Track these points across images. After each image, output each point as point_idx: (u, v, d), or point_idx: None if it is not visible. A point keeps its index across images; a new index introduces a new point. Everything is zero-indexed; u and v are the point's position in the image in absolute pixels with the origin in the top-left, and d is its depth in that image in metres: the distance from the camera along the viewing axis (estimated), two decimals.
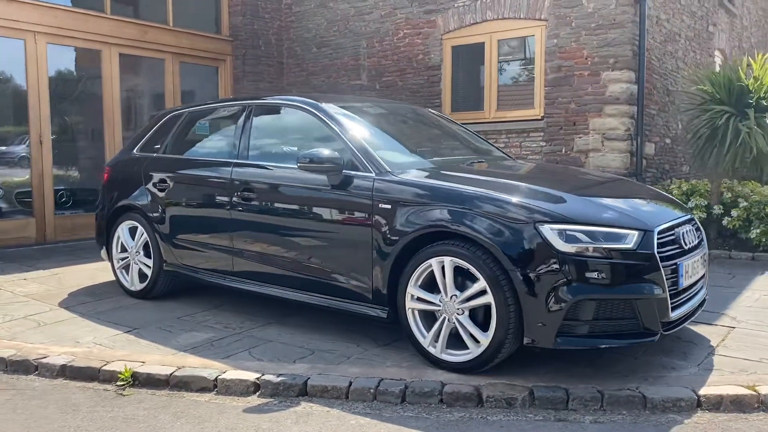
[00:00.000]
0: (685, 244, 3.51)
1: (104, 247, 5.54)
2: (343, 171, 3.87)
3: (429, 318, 3.60)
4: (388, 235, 3.64)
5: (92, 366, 3.76)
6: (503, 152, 5.14)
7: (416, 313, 3.59)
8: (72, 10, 8.12)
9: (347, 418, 3.13)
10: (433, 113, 5.48)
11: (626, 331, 3.22)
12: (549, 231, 3.17)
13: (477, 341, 3.36)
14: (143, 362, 3.79)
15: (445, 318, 3.46)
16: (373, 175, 3.80)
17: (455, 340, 3.49)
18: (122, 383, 3.62)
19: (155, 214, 4.96)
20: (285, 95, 4.74)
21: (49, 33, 7.87)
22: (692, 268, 3.53)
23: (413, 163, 4.03)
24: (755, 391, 3.16)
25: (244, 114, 4.64)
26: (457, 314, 3.41)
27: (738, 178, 7.59)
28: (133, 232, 5.21)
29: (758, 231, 6.60)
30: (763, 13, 14.61)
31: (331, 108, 4.29)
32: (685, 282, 3.43)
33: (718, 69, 9.15)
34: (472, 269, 3.33)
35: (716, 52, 10.84)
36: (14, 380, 3.79)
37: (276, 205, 4.24)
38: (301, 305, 4.43)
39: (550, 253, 3.15)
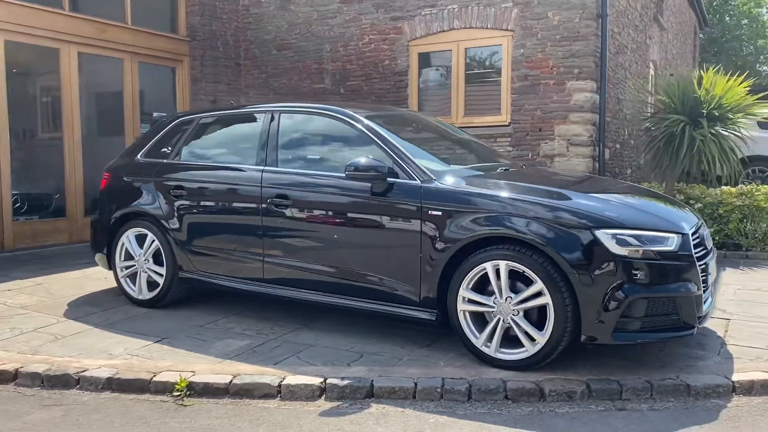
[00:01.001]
0: (707, 245, 3.89)
1: (100, 254, 5.39)
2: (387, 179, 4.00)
3: (477, 319, 3.80)
4: (439, 241, 3.81)
5: (141, 377, 3.71)
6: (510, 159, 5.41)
7: (467, 314, 3.78)
8: (28, 5, 7.73)
9: (425, 417, 3.27)
10: (435, 119, 5.66)
11: (669, 326, 3.54)
12: (604, 235, 3.45)
13: (532, 340, 3.59)
14: (193, 372, 3.77)
15: (500, 319, 3.66)
16: (419, 182, 3.95)
17: (503, 340, 3.70)
18: (178, 393, 3.59)
19: (170, 221, 4.89)
20: (315, 103, 4.80)
21: (4, 29, 7.47)
22: (712, 267, 3.91)
23: (453, 171, 4.21)
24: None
25: (270, 121, 4.66)
26: (513, 315, 3.62)
27: (688, 182, 8.25)
28: (140, 239, 5.10)
29: (712, 230, 7.22)
30: (679, 26, 15.76)
31: (364, 116, 4.39)
32: (710, 280, 3.80)
33: (650, 78, 9.85)
34: (529, 272, 3.55)
35: (651, 63, 11.65)
36: (57, 395, 3.68)
37: (314, 212, 4.31)
38: (324, 309, 4.54)
39: (606, 256, 3.42)
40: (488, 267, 3.66)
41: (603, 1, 7.92)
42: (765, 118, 8.36)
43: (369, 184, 4.05)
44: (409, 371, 3.71)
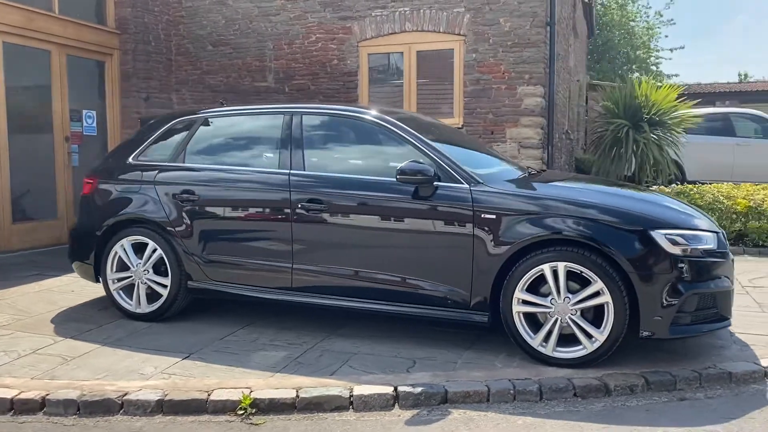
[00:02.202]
0: (727, 244, 4.22)
1: (82, 263, 4.99)
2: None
3: (529, 320, 3.89)
4: (493, 244, 3.86)
5: (196, 397, 3.47)
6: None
7: (521, 315, 3.86)
8: None
9: (511, 419, 3.32)
10: (437, 120, 5.67)
11: (710, 319, 3.81)
12: (659, 235, 3.66)
13: (589, 338, 3.73)
14: (249, 387, 3.58)
15: (557, 319, 3.78)
16: (467, 186, 3.98)
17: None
18: (242, 412, 3.40)
19: (177, 228, 4.58)
20: (340, 105, 4.68)
21: None
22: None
23: (495, 173, 4.27)
24: None
25: (291, 123, 4.49)
26: (571, 314, 3.75)
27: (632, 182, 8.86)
28: (138, 248, 4.73)
29: None
30: (581, 35, 16.80)
31: (396, 119, 4.35)
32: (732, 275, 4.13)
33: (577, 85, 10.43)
34: (588, 272, 3.69)
35: (570, 70, 12.35)
36: (104, 423, 3.37)
37: (353, 216, 4.20)
38: (345, 316, 4.49)
39: (662, 255, 3.63)
40: (546, 269, 3.76)
41: (551, 10, 8.31)
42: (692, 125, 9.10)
43: (413, 188, 4.02)
44: (473, 374, 3.74)
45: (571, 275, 3.77)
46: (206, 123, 4.84)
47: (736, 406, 3.45)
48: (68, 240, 5.21)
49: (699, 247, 3.74)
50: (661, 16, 27.37)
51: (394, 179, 4.10)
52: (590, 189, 4.15)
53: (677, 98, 8.42)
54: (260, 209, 4.44)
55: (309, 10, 9.22)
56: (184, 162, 4.76)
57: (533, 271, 3.80)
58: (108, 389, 3.56)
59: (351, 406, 3.47)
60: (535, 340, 3.83)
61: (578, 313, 3.75)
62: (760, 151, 12.62)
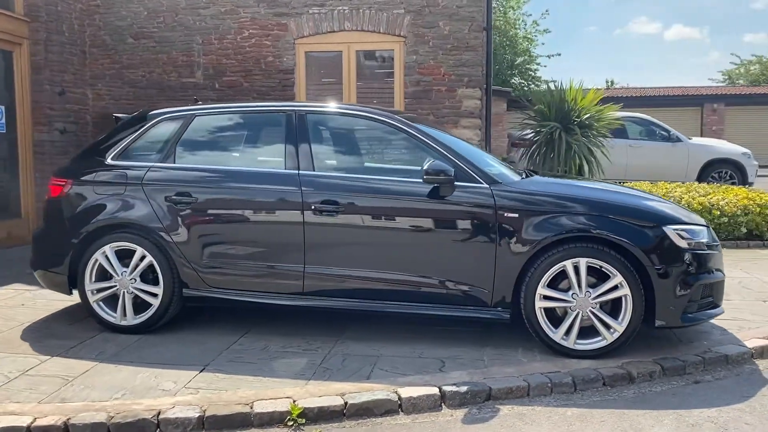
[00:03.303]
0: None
1: (48, 272, 4.60)
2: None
3: (548, 315, 4.03)
4: (516, 243, 3.97)
5: (240, 411, 3.29)
6: None
7: (542, 311, 4.00)
8: None
9: (559, 411, 3.44)
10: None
11: (709, 307, 4.14)
12: (671, 231, 3.93)
13: (609, 329, 3.93)
14: (289, 397, 3.44)
15: (579, 312, 3.95)
16: (488, 185, 4.06)
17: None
18: (292, 423, 3.27)
19: (172, 234, 4.28)
20: (349, 104, 4.58)
21: None
22: None
23: (508, 173, 4.36)
24: None
25: (295, 121, 4.34)
26: (592, 308, 3.93)
27: None
28: (122, 255, 4.38)
29: None
30: None
31: (408, 119, 4.34)
32: None
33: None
34: (607, 267, 3.89)
35: None
36: None
37: (371, 217, 4.13)
38: (347, 318, 4.49)
39: (674, 249, 3.90)
40: (568, 264, 3.92)
41: (488, 16, 8.59)
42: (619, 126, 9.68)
43: (434, 188, 4.04)
44: (506, 370, 3.82)
45: (590, 270, 3.94)
46: (197, 121, 4.55)
47: (744, 386, 3.78)
48: (32, 247, 4.72)
49: (700, 240, 4.05)
50: (538, 24, 29.01)
51: (412, 179, 4.10)
52: (600, 188, 4.37)
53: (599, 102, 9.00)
54: (268, 211, 4.26)
55: (241, 4, 8.92)
56: (174, 162, 4.46)
57: (555, 267, 3.94)
58: (136, 409, 3.28)
59: (400, 409, 3.43)
60: (557, 334, 3.98)
61: (598, 306, 3.94)
62: (650, 152, 13.83)
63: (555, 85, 8.84)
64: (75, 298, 5.03)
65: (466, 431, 3.22)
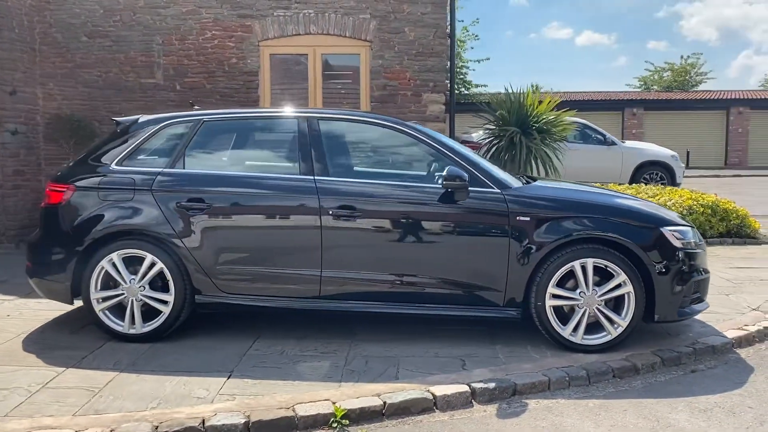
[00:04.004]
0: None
1: (45, 280, 4.49)
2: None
3: (556, 313, 4.26)
4: (528, 245, 4.17)
5: (284, 415, 3.34)
6: None
7: (552, 309, 4.23)
8: None
9: (582, 402, 3.66)
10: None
11: (697, 302, 4.48)
12: (668, 232, 4.24)
13: (613, 324, 4.21)
14: (327, 399, 3.51)
15: (585, 310, 4.20)
16: (499, 190, 4.25)
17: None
18: (337, 425, 3.34)
19: (185, 240, 4.24)
20: (360, 111, 4.64)
21: None
22: None
23: (513, 179, 4.56)
24: (752, 329, 4.77)
25: (307, 127, 4.38)
26: (598, 305, 4.19)
27: None
28: (131, 262, 4.30)
29: None
30: None
31: (419, 126, 4.47)
32: None
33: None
34: (612, 266, 4.16)
35: None
36: None
37: (387, 222, 4.24)
38: (355, 320, 4.58)
39: (672, 248, 4.22)
40: (576, 265, 4.17)
41: (452, 23, 8.84)
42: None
43: (449, 193, 4.19)
44: (524, 366, 4.02)
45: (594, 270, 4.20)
46: (205, 127, 4.51)
47: (734, 373, 4.14)
48: (28, 255, 4.54)
49: (690, 240, 4.38)
50: (468, 31, 29.77)
51: (426, 184, 4.25)
52: (599, 192, 4.65)
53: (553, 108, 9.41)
54: (284, 216, 4.29)
55: (203, 5, 8.79)
56: (184, 168, 4.41)
57: (565, 267, 4.17)
58: (179, 417, 3.27)
59: (435, 407, 3.56)
60: (566, 331, 4.21)
61: (603, 303, 4.20)
62: (586, 155, 14.50)
63: (512, 91, 9.16)
64: (64, 307, 4.95)
65: (504, 425, 3.39)
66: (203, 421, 3.24)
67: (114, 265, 4.29)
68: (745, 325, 4.88)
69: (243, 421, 3.26)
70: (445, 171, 4.12)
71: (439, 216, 4.25)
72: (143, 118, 4.65)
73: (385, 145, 4.57)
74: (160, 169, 4.39)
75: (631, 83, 39.55)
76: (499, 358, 4.17)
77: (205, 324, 4.71)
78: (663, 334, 4.68)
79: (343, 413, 3.37)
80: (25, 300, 5.45)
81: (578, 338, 4.22)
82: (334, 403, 3.46)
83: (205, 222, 4.27)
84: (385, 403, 3.49)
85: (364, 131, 4.59)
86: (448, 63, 8.97)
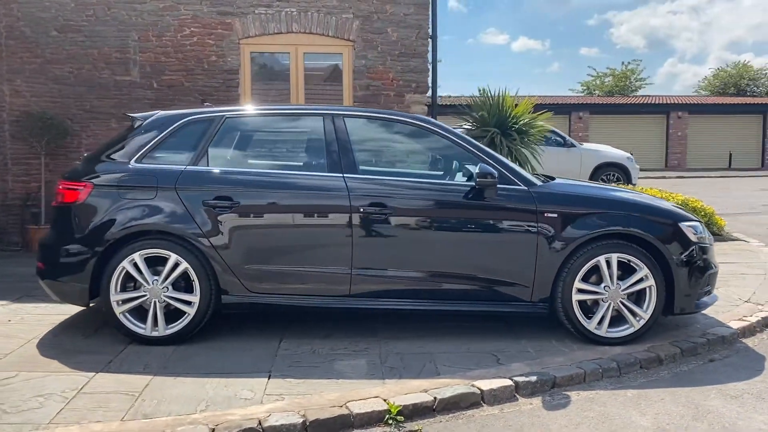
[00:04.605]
0: None
1: (60, 281, 4.29)
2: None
3: (581, 307, 4.37)
4: (556, 241, 4.26)
5: (340, 413, 3.31)
6: None
7: (578, 303, 4.33)
8: None
9: (620, 393, 3.77)
10: None
11: (707, 295, 4.67)
12: (685, 227, 4.41)
13: (635, 317, 4.34)
14: (376, 397, 3.50)
15: (610, 304, 4.32)
16: (526, 187, 4.32)
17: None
18: (392, 421, 3.33)
19: (212, 239, 4.14)
20: (383, 109, 4.62)
21: None
22: None
23: (535, 177, 4.64)
24: (752, 319, 5.00)
25: (333, 125, 4.35)
26: (622, 299, 4.32)
27: None
28: (153, 262, 4.17)
29: None
30: None
31: (446, 125, 4.51)
32: None
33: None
34: (635, 261, 4.30)
35: None
36: None
37: (418, 219, 4.25)
38: (377, 318, 4.57)
39: (689, 243, 4.39)
40: (601, 260, 4.28)
41: (434, 24, 8.92)
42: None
43: (477, 190, 4.23)
44: (556, 360, 4.10)
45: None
46: (228, 123, 4.41)
47: (749, 361, 4.34)
48: (40, 255, 4.34)
49: (702, 235, 4.57)
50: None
51: (455, 181, 4.28)
52: (616, 190, 4.78)
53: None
54: (314, 214, 4.24)
55: (182, 1, 8.56)
56: (208, 165, 4.30)
57: (590, 263, 4.28)
58: (234, 419, 3.20)
59: (482, 401, 3.60)
60: (591, 324, 4.32)
61: (626, 297, 4.33)
62: (547, 156, 14.78)
63: (490, 93, 9.30)
64: (66, 310, 4.80)
65: (555, 417, 3.45)
66: (260, 421, 3.18)
67: (135, 266, 4.15)
68: (745, 316, 5.12)
69: (300, 420, 3.22)
70: (477, 168, 4.16)
71: (469, 213, 4.29)
72: (161, 114, 4.51)
73: (411, 143, 4.58)
74: (184, 167, 4.27)
75: (574, 88, 40.72)
76: (530, 352, 4.24)
77: (220, 326, 4.60)
78: (672, 326, 4.85)
79: (397, 410, 3.37)
80: (20, 304, 5.21)
81: (603, 331, 4.34)
82: (384, 400, 3.45)
83: (233, 220, 4.18)
84: (435, 398, 3.50)
85: (390, 129, 4.58)
86: (431, 64, 9.03)
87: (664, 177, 22.92)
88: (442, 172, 4.61)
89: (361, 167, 4.34)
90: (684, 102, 30.25)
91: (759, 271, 6.82)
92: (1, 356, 4.00)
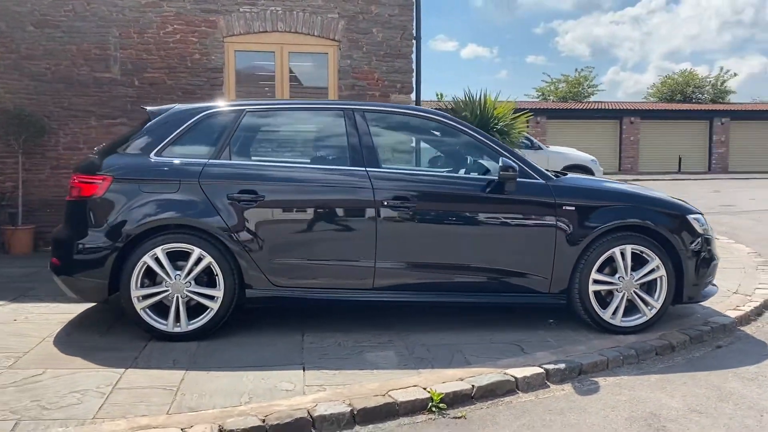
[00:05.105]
0: None
1: (77, 278, 4.18)
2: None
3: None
4: (574, 233, 4.38)
5: (387, 402, 3.34)
6: None
7: (594, 294, 4.46)
8: None
9: (643, 378, 3.91)
10: None
11: (709, 285, 4.86)
12: (692, 219, 4.59)
13: (647, 306, 4.49)
14: (416, 386, 3.54)
15: (624, 294, 4.46)
16: (543, 181, 4.43)
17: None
18: (435, 409, 3.38)
19: (237, 233, 4.10)
20: (401, 105, 4.66)
21: None
22: None
23: (548, 172, 4.75)
24: (746, 309, 5.24)
25: (355, 120, 4.36)
26: (635, 289, 4.47)
27: None
28: (176, 257, 4.11)
29: None
30: None
31: (462, 121, 4.59)
32: None
33: None
34: (648, 252, 4.45)
35: None
36: None
37: (441, 212, 4.30)
38: (391, 312, 4.62)
39: (696, 235, 4.57)
40: (617, 251, 4.42)
41: (418, 25, 9.02)
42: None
43: (497, 183, 4.32)
44: (578, 348, 4.22)
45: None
46: (248, 117, 4.38)
47: (753, 347, 4.55)
48: (55, 251, 4.22)
49: (706, 227, 4.77)
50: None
51: (475, 175, 4.36)
52: (626, 185, 4.94)
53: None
54: (339, 208, 4.25)
55: None
56: (231, 158, 4.26)
57: (606, 254, 4.42)
58: (282, 409, 3.19)
59: (517, 388, 3.67)
60: (606, 313, 4.46)
61: (639, 287, 4.48)
62: None
63: (472, 96, 9.45)
64: (71, 309, 4.72)
65: (589, 401, 3.55)
66: (308, 411, 3.17)
67: (157, 261, 4.08)
68: (738, 306, 5.35)
69: (348, 409, 3.23)
70: (500, 161, 4.24)
71: (491, 206, 4.37)
72: (178, 107, 4.45)
73: (431, 138, 4.63)
74: (206, 160, 4.22)
75: (529, 93, 41.54)
76: (550, 342, 4.34)
77: (234, 323, 4.55)
78: (675, 315, 5.03)
79: (440, 397, 3.41)
80: (19, 304, 5.05)
81: (617, 321, 4.48)
82: (424, 388, 3.49)
83: (258, 214, 4.15)
84: (473, 386, 3.56)
85: (410, 124, 4.64)
86: (416, 65, 9.11)
87: (623, 180, 23.59)
88: (459, 166, 4.68)
89: (384, 161, 4.38)
90: (636, 108, 31.25)
91: (737, 266, 7.13)
92: (21, 354, 3.87)
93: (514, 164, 4.28)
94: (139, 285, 4.09)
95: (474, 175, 4.46)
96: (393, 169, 4.37)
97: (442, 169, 4.56)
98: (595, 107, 31.73)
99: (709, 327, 4.75)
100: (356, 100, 8.58)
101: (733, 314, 5.11)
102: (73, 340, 4.18)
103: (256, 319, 4.64)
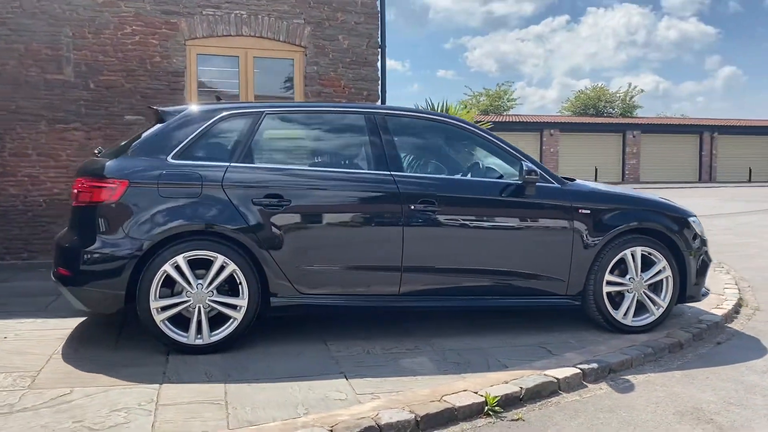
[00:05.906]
0: None
1: (86, 288, 3.91)
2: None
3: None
4: (589, 236, 4.49)
5: (446, 407, 3.30)
6: None
7: (607, 295, 4.58)
8: None
9: (668, 374, 4.05)
10: None
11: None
12: (693, 222, 4.82)
13: (655, 306, 4.67)
14: (465, 390, 3.52)
15: (634, 294, 4.61)
16: (559, 185, 4.53)
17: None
18: (491, 412, 3.37)
19: (262, 240, 3.94)
20: (422, 109, 4.60)
21: None
22: None
23: (559, 177, 4.85)
24: (727, 307, 5.53)
25: (377, 124, 4.30)
26: (644, 289, 4.63)
27: None
28: (196, 265, 3.90)
29: None
30: None
31: (479, 126, 4.62)
32: None
33: None
34: (656, 254, 4.63)
35: None
36: None
37: (465, 216, 4.29)
38: (406, 316, 4.62)
39: (696, 236, 4.80)
40: (628, 253, 4.57)
41: (383, 34, 9.03)
42: None
43: (517, 187, 4.38)
44: (600, 348, 4.32)
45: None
46: (267, 120, 4.21)
47: (749, 342, 4.80)
48: (61, 261, 3.90)
49: (702, 229, 5.01)
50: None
51: (495, 179, 4.41)
52: (631, 190, 5.11)
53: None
54: (366, 213, 4.16)
55: None
56: (253, 162, 4.09)
57: (618, 256, 4.55)
58: (348, 419, 3.08)
59: (560, 389, 3.71)
60: (618, 314, 4.59)
61: (647, 287, 4.65)
62: None
63: (433, 106, 9.58)
64: (59, 324, 4.43)
65: (631, 398, 3.63)
66: (374, 420, 3.08)
67: (178, 269, 3.85)
68: (719, 305, 5.65)
69: (412, 416, 3.16)
70: (524, 166, 4.30)
71: (513, 210, 4.41)
72: (193, 108, 4.24)
73: (451, 143, 4.63)
74: (228, 164, 4.03)
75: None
76: (572, 343, 4.42)
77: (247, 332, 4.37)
78: (669, 315, 5.25)
79: (495, 400, 3.39)
80: (4, 320, 4.64)
81: (629, 320, 4.62)
82: (475, 392, 3.47)
83: (285, 219, 4.00)
84: (521, 388, 3.57)
85: (431, 128, 4.61)
86: (381, 73, 9.11)
87: None
88: (475, 170, 4.70)
89: (408, 166, 4.35)
90: (556, 121, 32.56)
91: None
92: (35, 372, 3.55)
93: (535, 168, 4.34)
94: (158, 296, 3.84)
95: (493, 179, 4.49)
96: (417, 174, 4.34)
97: (460, 174, 4.56)
98: (516, 120, 32.81)
99: (705, 325, 4.98)
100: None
101: (719, 312, 5.38)
102: (84, 356, 3.87)
103: (272, 329, 4.46)
